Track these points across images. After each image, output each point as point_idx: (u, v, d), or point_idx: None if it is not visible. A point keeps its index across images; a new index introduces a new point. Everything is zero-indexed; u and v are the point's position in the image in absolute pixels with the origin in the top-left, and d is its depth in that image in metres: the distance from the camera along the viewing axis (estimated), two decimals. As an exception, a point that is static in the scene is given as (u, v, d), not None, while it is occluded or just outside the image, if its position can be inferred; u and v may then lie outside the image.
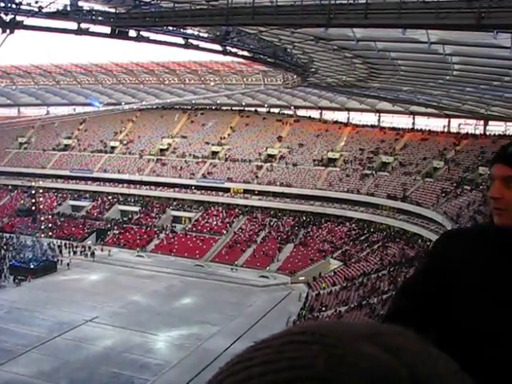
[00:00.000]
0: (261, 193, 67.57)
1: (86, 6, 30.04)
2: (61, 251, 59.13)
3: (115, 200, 72.86)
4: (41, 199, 71.33)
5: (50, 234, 64.20)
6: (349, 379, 0.53)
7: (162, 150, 77.44)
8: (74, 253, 59.16)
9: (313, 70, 48.62)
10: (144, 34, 33.26)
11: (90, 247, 60.59)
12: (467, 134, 66.19)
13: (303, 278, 53.34)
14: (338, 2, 23.61)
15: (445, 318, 1.58)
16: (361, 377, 0.53)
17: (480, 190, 50.76)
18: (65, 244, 61.41)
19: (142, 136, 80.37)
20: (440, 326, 1.60)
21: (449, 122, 68.50)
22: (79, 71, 73.06)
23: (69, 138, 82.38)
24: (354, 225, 61.69)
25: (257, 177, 69.11)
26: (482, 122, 65.46)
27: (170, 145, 77.97)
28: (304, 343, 0.58)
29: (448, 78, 40.53)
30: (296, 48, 40.76)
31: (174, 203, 70.79)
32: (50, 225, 67.09)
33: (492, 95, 47.19)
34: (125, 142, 79.93)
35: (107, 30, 31.02)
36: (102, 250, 60.75)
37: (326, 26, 27.11)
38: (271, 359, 0.57)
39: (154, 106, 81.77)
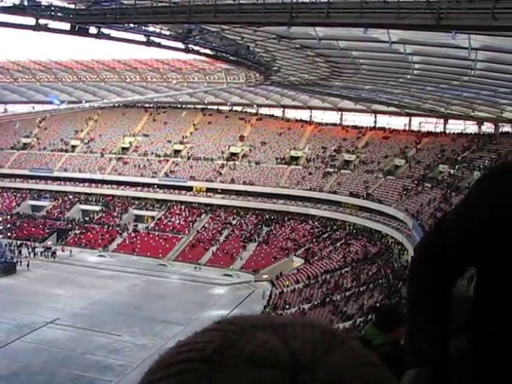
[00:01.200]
0: (224, 191, 67.46)
1: (44, 1, 29.41)
2: (20, 252, 57.90)
3: (76, 199, 71.78)
4: (-1, 199, 70.02)
5: (9, 234, 62.90)
6: (231, 360, 0.58)
7: (123, 149, 76.64)
8: (35, 254, 58.02)
9: (275, 68, 48.69)
10: (105, 31, 32.79)
11: (50, 248, 59.54)
12: (428, 132, 67.24)
13: (267, 276, 53.43)
14: (300, 0, 23.66)
15: (490, 256, 1.50)
16: (242, 358, 0.58)
17: (440, 188, 51.61)
18: (24, 244, 60.17)
19: (104, 134, 79.40)
20: (483, 263, 1.53)
21: (410, 120, 69.49)
22: (38, 68, 71.65)
23: (28, 136, 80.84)
24: (316, 223, 62.03)
25: (220, 174, 68.97)
26: (442, 121, 66.63)
27: (131, 143, 77.22)
28: (212, 330, 0.65)
29: (409, 77, 41.10)
30: (258, 46, 40.73)
31: (136, 202, 70.13)
32: (8, 225, 65.76)
33: (451, 94, 48.04)
34: (86, 141, 78.83)
35: (67, 26, 30.49)
36: (63, 250, 59.75)
37: (288, 25, 27.12)
38: (183, 344, 0.64)
39: (116, 104, 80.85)
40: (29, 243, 60.62)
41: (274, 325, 0.63)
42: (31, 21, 29.43)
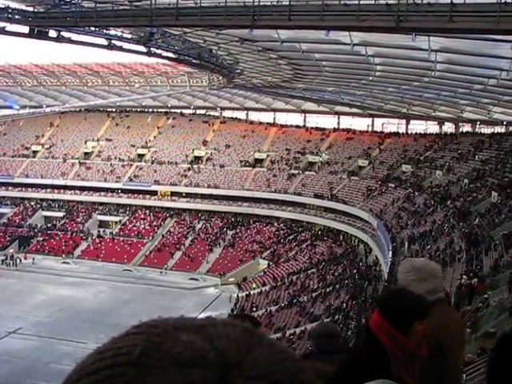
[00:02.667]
0: (188, 195, 67.13)
1: (0, 3, 28.83)
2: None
3: (38, 206, 70.53)
4: (-42, 207, 68.55)
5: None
6: (159, 363, 0.59)
7: (86, 154, 75.66)
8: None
9: (238, 71, 48.70)
10: (65, 34, 32.30)
11: (12, 255, 58.37)
12: (390, 132, 68.06)
13: (233, 279, 53.35)
14: (262, 3, 23.68)
15: None
16: (170, 360, 0.59)
17: (404, 187, 52.27)
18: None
19: (66, 139, 78.22)
20: None
21: (372, 121, 70.26)
22: (-4, 73, 70.33)
23: (-13, 142, 79.19)
24: (282, 224, 62.20)
25: (185, 178, 68.60)
26: (404, 121, 67.53)
27: (94, 148, 76.28)
28: (134, 334, 0.65)
29: (371, 78, 41.53)
30: (221, 49, 40.70)
31: (100, 207, 69.30)
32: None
33: (413, 95, 48.75)
34: (47, 146, 77.56)
35: (25, 29, 29.95)
36: (25, 258, 58.64)
37: (250, 28, 27.16)
38: (104, 349, 0.65)
39: (78, 109, 79.80)
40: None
41: (196, 326, 0.64)
42: (-12, 24, 28.86)
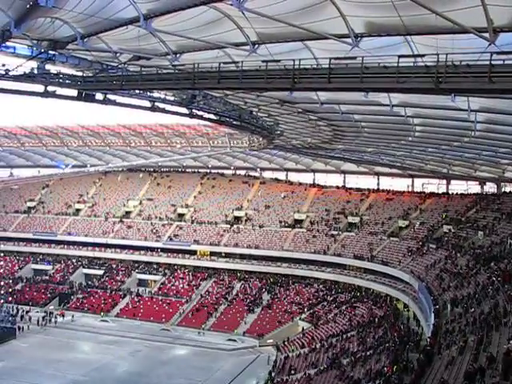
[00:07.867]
0: (227, 255, 67.23)
1: (53, 69, 30.10)
2: (22, 317, 57.11)
3: (79, 263, 71.56)
4: (1, 263, 69.81)
5: (10, 299, 62.18)
6: None
7: (127, 213, 76.93)
8: (39, 319, 57.08)
9: (278, 132, 49.29)
10: (111, 97, 33.41)
11: (52, 312, 58.85)
12: (431, 193, 67.49)
13: (271, 340, 52.52)
14: (301, 66, 24.18)
15: None
16: None
17: (445, 248, 51.28)
18: (25, 310, 59.39)
19: (108, 198, 79.87)
20: None
21: (412, 181, 69.99)
22: (45, 133, 72.74)
23: (32, 200, 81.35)
24: (321, 285, 61.49)
25: (224, 237, 68.78)
26: (444, 181, 67.01)
27: (135, 207, 77.53)
28: None
29: (410, 138, 41.53)
30: (261, 111, 41.38)
31: (140, 266, 69.82)
32: (10, 290, 65.18)
33: (453, 155, 48.42)
34: (90, 205, 79.23)
35: (74, 92, 31.07)
36: (63, 315, 58.95)
37: (290, 90, 27.60)
38: None
39: (120, 169, 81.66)
40: (30, 307, 60.04)
41: None
42: (40, 88, 30.03)
